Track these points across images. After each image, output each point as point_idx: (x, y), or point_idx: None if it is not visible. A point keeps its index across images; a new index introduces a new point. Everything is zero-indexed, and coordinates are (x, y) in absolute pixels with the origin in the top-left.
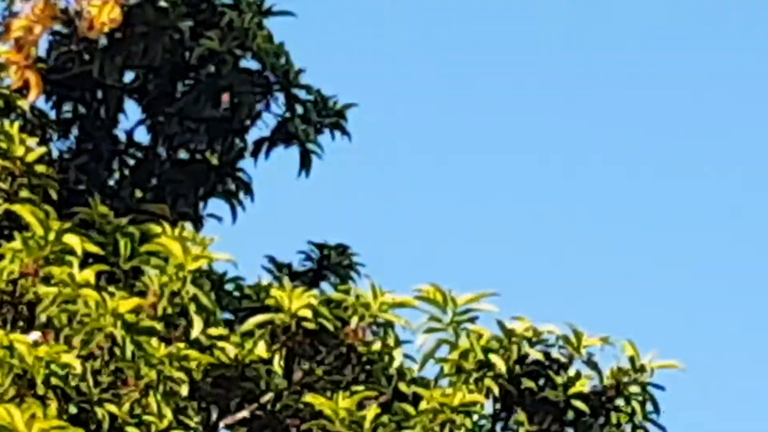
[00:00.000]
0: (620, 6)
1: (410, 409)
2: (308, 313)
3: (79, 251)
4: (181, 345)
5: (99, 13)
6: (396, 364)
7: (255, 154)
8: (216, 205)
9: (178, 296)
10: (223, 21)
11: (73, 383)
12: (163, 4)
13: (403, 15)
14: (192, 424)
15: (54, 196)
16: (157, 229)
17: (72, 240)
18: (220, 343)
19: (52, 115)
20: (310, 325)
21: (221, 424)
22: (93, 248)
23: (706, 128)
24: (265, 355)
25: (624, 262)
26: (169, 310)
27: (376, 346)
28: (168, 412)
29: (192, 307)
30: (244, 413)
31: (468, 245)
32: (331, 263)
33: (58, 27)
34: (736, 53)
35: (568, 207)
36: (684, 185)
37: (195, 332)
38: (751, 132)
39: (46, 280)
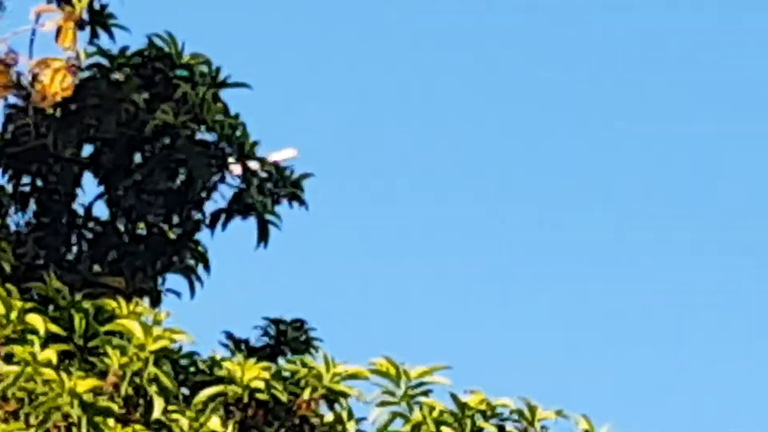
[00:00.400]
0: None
1: None
2: (261, 385)
3: (42, 331)
4: (138, 426)
5: (51, 82)
6: None
7: (212, 226)
8: (175, 280)
9: (138, 377)
10: (177, 93)
11: None
12: (117, 76)
13: (359, 85)
14: None
15: (8, 269)
16: (112, 303)
17: (35, 320)
18: (174, 416)
19: (9, 188)
20: (263, 397)
21: None
22: (54, 328)
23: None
24: (219, 428)
25: (577, 336)
26: (130, 391)
27: (329, 417)
28: None
29: (153, 389)
30: None
31: (423, 317)
32: (288, 339)
33: (13, 99)
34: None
35: (522, 281)
36: (625, 255)
37: (156, 413)
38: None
39: (8, 358)
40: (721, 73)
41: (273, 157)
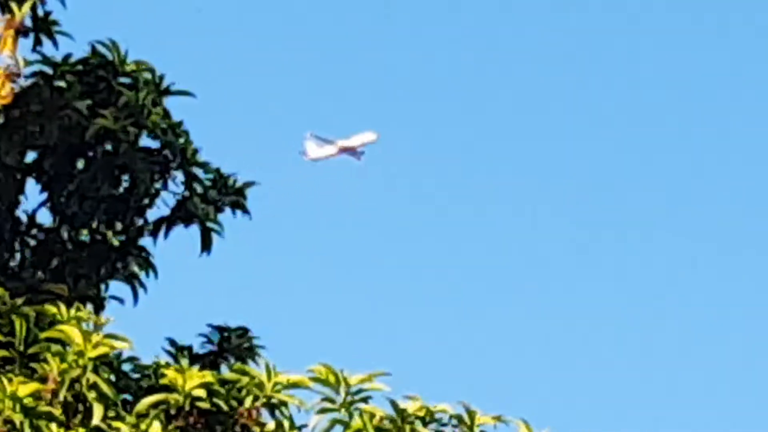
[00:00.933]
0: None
1: None
2: (202, 393)
3: None
4: (82, 430)
5: None
6: None
7: (154, 233)
8: (118, 286)
9: (78, 383)
10: (120, 101)
11: None
12: (60, 83)
13: (303, 92)
14: None
15: None
16: (53, 309)
17: None
18: (115, 424)
19: None
20: (204, 405)
21: None
22: None
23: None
24: None
25: (515, 340)
26: (69, 398)
27: (270, 426)
28: None
29: (92, 395)
30: None
31: (363, 324)
32: (231, 346)
33: None
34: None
35: (459, 288)
36: (563, 270)
37: (95, 420)
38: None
39: None
40: (721, 73)
41: (353, 141)
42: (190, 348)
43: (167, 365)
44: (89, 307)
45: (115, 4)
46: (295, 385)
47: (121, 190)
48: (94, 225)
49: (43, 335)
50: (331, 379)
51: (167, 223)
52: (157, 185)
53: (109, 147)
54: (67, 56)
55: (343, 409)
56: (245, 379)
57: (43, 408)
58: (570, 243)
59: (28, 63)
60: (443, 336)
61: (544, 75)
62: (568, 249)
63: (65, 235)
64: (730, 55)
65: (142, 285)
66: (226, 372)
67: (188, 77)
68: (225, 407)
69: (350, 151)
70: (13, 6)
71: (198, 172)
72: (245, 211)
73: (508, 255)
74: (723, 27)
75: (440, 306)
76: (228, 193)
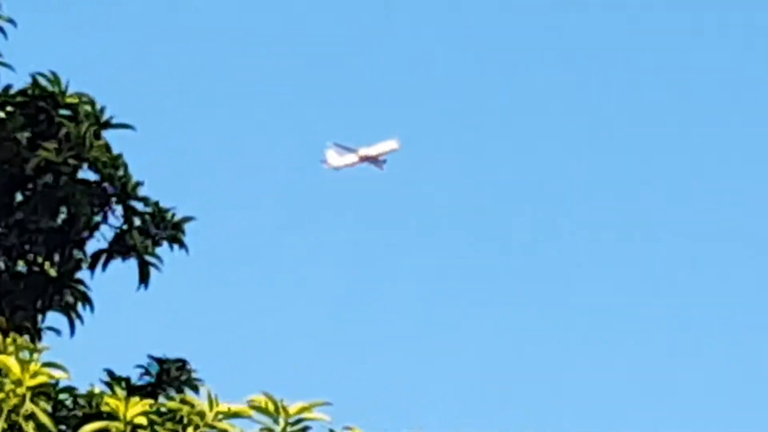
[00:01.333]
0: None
1: None
2: (143, 421)
3: None
4: None
5: None
6: None
7: (92, 266)
8: (56, 318)
9: (14, 413)
10: (61, 132)
11: None
12: (1, 115)
13: (243, 127)
14: None
15: None
16: None
17: None
18: None
19: None
20: None
21: None
22: None
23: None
24: None
25: (458, 369)
26: (6, 427)
27: None
28: None
29: (30, 425)
30: None
31: (304, 354)
32: (170, 378)
33: None
34: None
35: (400, 318)
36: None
37: None
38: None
39: None
40: (721, 73)
41: (375, 149)
42: (127, 379)
43: (102, 393)
44: (26, 338)
45: (58, 37)
46: (236, 415)
47: (59, 222)
48: (32, 257)
49: None
50: (271, 408)
51: (106, 255)
52: (97, 218)
53: (49, 179)
54: (7, 87)
55: None
56: (186, 408)
57: None
58: (570, 243)
59: None
60: (383, 366)
61: (545, 74)
62: (567, 250)
63: (2, 266)
64: (730, 55)
65: (79, 316)
66: (166, 402)
67: (187, 83)
68: None
69: (372, 160)
70: None
71: (137, 205)
72: (182, 245)
73: (494, 263)
74: (723, 27)
75: (380, 338)
76: (166, 227)
